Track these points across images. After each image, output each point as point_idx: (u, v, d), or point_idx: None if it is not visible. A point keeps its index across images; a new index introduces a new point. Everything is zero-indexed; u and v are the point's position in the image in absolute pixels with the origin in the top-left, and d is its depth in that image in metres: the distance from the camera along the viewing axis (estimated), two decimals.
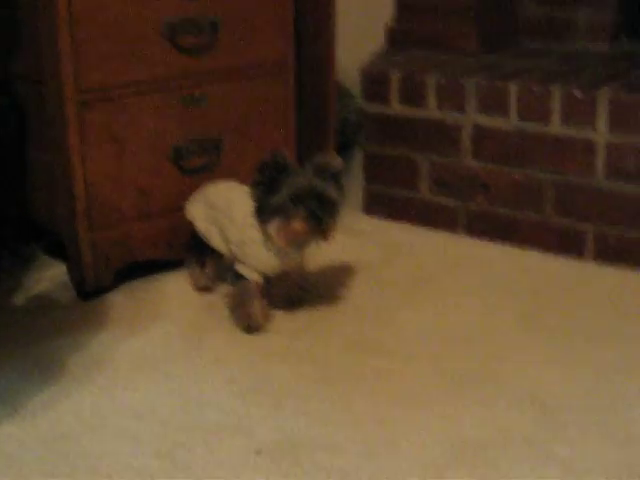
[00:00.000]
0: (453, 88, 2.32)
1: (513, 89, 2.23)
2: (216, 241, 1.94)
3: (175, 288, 2.07)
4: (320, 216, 1.77)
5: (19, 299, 2.05)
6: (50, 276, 2.15)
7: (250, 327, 1.87)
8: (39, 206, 2.17)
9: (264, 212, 1.80)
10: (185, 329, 1.90)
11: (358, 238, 2.37)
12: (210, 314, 1.96)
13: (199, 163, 2.13)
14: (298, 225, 1.77)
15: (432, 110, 2.36)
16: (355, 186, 2.60)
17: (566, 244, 2.24)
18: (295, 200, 1.76)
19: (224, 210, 1.90)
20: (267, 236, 1.81)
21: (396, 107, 2.43)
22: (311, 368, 1.74)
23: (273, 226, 1.79)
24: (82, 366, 1.75)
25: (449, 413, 1.58)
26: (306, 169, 1.81)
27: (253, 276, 1.86)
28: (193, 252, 2.03)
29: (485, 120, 2.29)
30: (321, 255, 2.00)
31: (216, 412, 1.59)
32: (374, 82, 2.45)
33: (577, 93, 2.15)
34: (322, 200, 1.78)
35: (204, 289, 2.05)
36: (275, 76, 2.24)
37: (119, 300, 2.03)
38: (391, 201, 2.50)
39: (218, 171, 2.13)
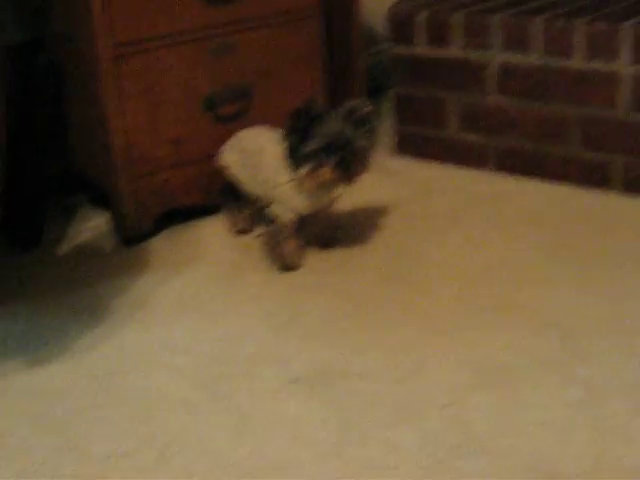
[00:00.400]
0: (477, 26, 2.35)
1: (537, 25, 2.27)
2: (250, 185, 2.01)
3: (212, 232, 2.16)
4: (349, 164, 1.83)
5: (66, 247, 2.15)
6: (94, 225, 2.25)
7: (285, 265, 1.95)
8: (81, 159, 2.25)
9: (296, 158, 1.86)
10: (223, 270, 1.98)
11: (390, 177, 2.43)
12: (247, 255, 2.04)
13: (231, 111, 2.19)
14: (328, 172, 1.84)
15: (458, 49, 2.40)
16: (387, 127, 2.66)
17: (593, 177, 2.28)
18: (326, 148, 1.82)
19: (256, 155, 1.97)
20: (298, 179, 1.88)
21: (423, 48, 2.47)
22: (343, 302, 1.82)
23: (304, 171, 1.85)
24: (126, 307, 1.84)
25: (474, 339, 1.66)
26: (338, 115, 1.86)
27: (286, 216, 1.94)
28: (229, 197, 2.11)
29: (510, 57, 2.32)
30: (354, 194, 2.06)
31: (254, 345, 1.68)
32: (401, 24, 2.49)
33: (600, 26, 2.17)
34: (352, 148, 1.84)
35: (241, 232, 2.13)
36: (302, 22, 2.28)
37: (159, 245, 2.12)
38: (422, 141, 2.55)
39: (249, 118, 2.20)
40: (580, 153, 2.28)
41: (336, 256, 2.02)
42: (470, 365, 1.58)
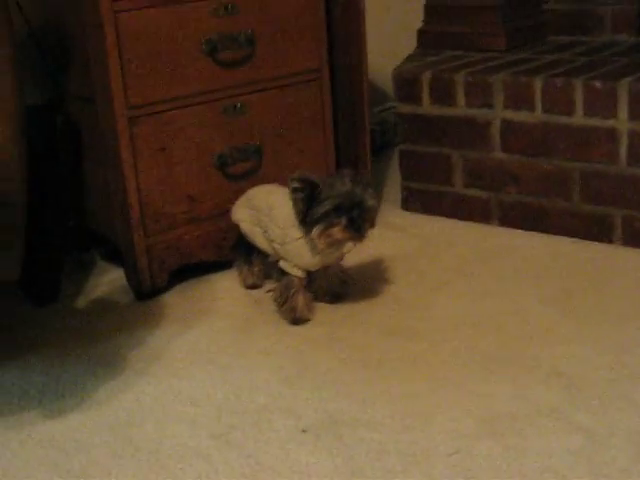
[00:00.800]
0: (480, 85, 2.43)
1: (537, 84, 2.34)
2: (260, 241, 2.08)
3: (225, 286, 2.22)
4: (360, 224, 1.90)
5: (82, 302, 2.21)
6: (109, 280, 2.32)
7: (296, 319, 2.00)
8: (96, 216, 2.32)
9: (307, 222, 1.93)
10: (235, 323, 2.04)
11: (396, 232, 2.50)
12: (258, 309, 2.10)
13: (242, 169, 2.27)
14: (339, 233, 1.91)
15: (462, 107, 2.48)
16: (393, 184, 2.73)
17: (595, 230, 2.34)
18: (337, 210, 1.90)
19: (266, 212, 2.04)
20: (309, 238, 1.95)
21: (428, 106, 2.55)
22: (352, 354, 1.87)
23: (315, 232, 1.91)
24: (142, 360, 1.90)
25: (480, 390, 1.70)
26: (343, 178, 1.93)
27: (296, 272, 2.00)
28: (240, 252, 2.17)
29: (512, 115, 2.40)
30: (362, 249, 2.12)
31: (265, 396, 1.73)
32: (406, 83, 2.58)
33: (597, 84, 2.25)
34: (362, 208, 1.91)
35: (252, 286, 2.19)
36: (311, 83, 2.37)
37: (173, 300, 2.18)
38: (427, 196, 2.62)
39: (260, 176, 2.28)
40: (581, 207, 2.35)
41: (345, 309, 2.07)
42: (475, 414, 1.62)
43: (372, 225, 1.96)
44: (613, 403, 1.63)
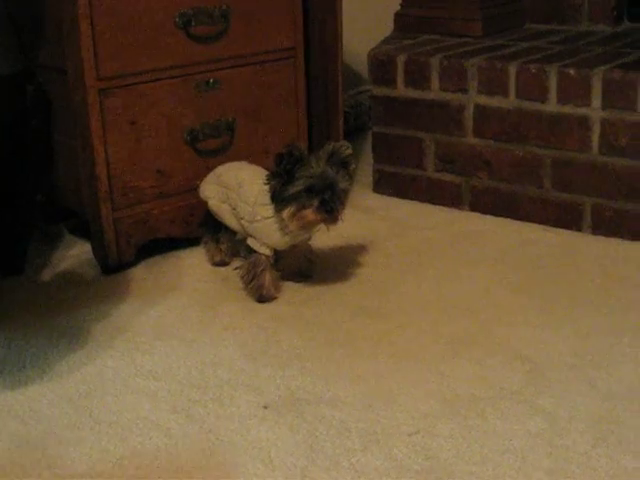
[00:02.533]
0: (455, 70, 2.43)
1: (512, 69, 2.34)
2: (228, 218, 2.07)
3: (192, 263, 2.21)
4: (332, 206, 1.89)
5: (47, 275, 2.19)
6: (75, 254, 2.29)
7: (262, 297, 1.99)
8: (65, 189, 2.30)
9: (279, 200, 1.92)
10: (201, 300, 2.03)
11: (367, 214, 2.50)
12: (225, 286, 2.09)
13: (214, 145, 2.25)
14: (311, 214, 1.90)
15: (436, 91, 2.48)
16: (366, 165, 2.73)
17: (564, 217, 2.35)
18: (309, 191, 1.89)
19: (235, 189, 2.02)
20: (279, 218, 1.94)
21: (402, 89, 2.54)
22: (317, 333, 1.86)
23: (287, 213, 1.91)
24: (105, 334, 1.88)
25: (443, 370, 1.70)
26: (320, 157, 1.92)
27: (264, 250, 1.99)
28: (208, 229, 2.16)
29: (486, 100, 2.40)
30: (332, 229, 2.11)
31: (228, 372, 1.72)
32: (381, 65, 2.57)
33: (571, 72, 2.25)
34: (334, 190, 1.90)
35: (219, 264, 2.18)
36: (285, 62, 2.36)
37: (140, 274, 2.17)
38: (399, 179, 2.62)
39: (232, 152, 2.26)
40: (552, 194, 2.35)
41: (311, 289, 2.07)
42: (439, 395, 1.62)
43: (344, 207, 1.95)
44: (575, 388, 1.64)
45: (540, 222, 2.38)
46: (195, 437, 1.52)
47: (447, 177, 2.52)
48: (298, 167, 1.89)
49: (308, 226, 1.95)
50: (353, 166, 1.98)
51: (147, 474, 1.44)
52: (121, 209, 2.15)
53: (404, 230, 2.39)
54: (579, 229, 2.33)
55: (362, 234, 2.34)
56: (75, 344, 1.84)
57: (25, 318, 1.96)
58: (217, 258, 2.18)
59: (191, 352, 1.80)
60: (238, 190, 2.02)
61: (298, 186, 1.89)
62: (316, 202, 1.89)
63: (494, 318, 1.91)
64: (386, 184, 2.64)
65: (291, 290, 2.06)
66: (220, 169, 2.12)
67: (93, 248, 2.20)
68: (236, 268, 2.07)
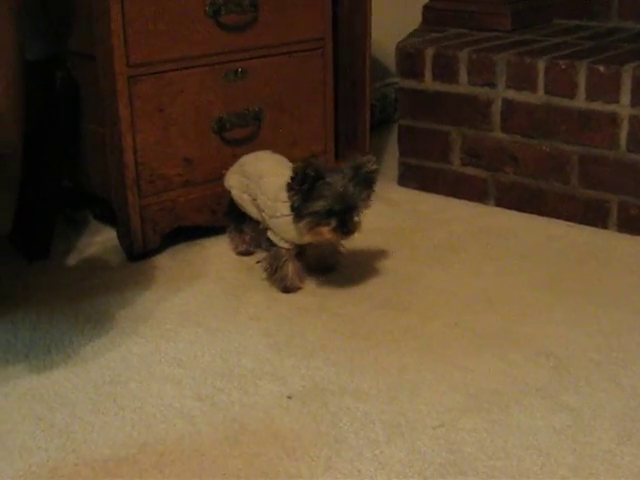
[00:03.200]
0: (483, 64, 2.42)
1: (541, 65, 2.33)
2: (250, 209, 2.06)
3: (217, 251, 2.21)
4: (349, 227, 1.89)
5: (73, 260, 2.20)
6: (101, 240, 2.30)
7: (286, 287, 1.99)
8: (92, 175, 2.30)
9: (299, 213, 1.90)
10: (225, 288, 2.03)
11: (392, 207, 2.49)
12: (249, 275, 2.09)
13: (240, 135, 2.25)
14: (327, 232, 1.89)
15: (464, 85, 2.47)
16: (392, 158, 2.72)
17: (591, 214, 2.34)
18: (328, 211, 1.87)
19: (256, 180, 2.02)
20: (297, 225, 1.92)
21: (430, 82, 2.53)
22: (341, 324, 1.86)
23: (304, 225, 1.90)
24: (130, 320, 1.89)
25: (467, 365, 1.70)
26: (343, 173, 1.90)
27: (283, 244, 1.98)
28: (232, 219, 2.16)
29: (514, 94, 2.39)
30: None
31: (252, 361, 1.73)
32: (408, 58, 2.56)
33: (601, 68, 2.23)
34: (353, 211, 1.89)
35: (243, 253, 2.18)
36: (314, 52, 2.35)
37: (165, 262, 2.17)
38: (424, 173, 2.61)
39: (258, 142, 2.26)
40: (579, 191, 2.34)
41: (336, 280, 2.06)
42: (463, 389, 1.62)
43: (360, 224, 1.93)
44: (600, 385, 1.63)
45: (566, 219, 2.37)
46: (219, 425, 1.53)
47: (473, 171, 2.51)
48: (320, 183, 1.87)
49: (323, 239, 1.94)
50: (376, 182, 1.96)
51: (171, 461, 1.44)
52: (147, 196, 2.15)
53: (429, 224, 2.39)
54: (605, 227, 2.32)
55: (387, 227, 2.34)
56: (100, 330, 1.85)
57: (50, 303, 1.97)
58: (241, 248, 2.18)
59: (215, 340, 1.81)
60: (258, 181, 2.01)
61: (317, 206, 1.87)
62: (334, 222, 1.88)
63: (519, 314, 1.90)
64: (411, 177, 2.64)
65: (316, 281, 2.06)
66: (244, 158, 2.11)
67: (118, 235, 2.20)
68: (259, 262, 2.07)
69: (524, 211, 2.44)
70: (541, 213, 2.41)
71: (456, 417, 1.54)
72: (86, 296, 2.00)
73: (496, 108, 2.42)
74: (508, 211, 2.46)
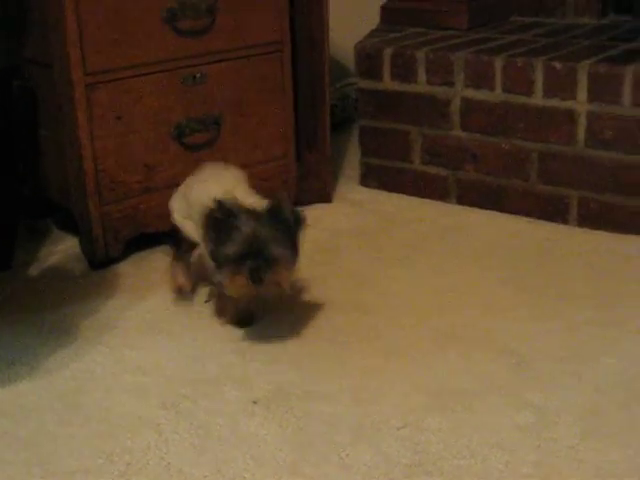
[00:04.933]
0: (441, 63, 2.43)
1: (498, 63, 2.34)
2: (194, 237, 1.87)
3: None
4: (261, 276, 1.67)
5: (35, 270, 2.19)
6: (63, 249, 2.29)
7: (239, 321, 1.87)
8: (52, 183, 2.29)
9: (217, 260, 1.72)
10: (188, 295, 2.03)
11: (354, 207, 2.50)
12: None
13: (200, 140, 2.25)
14: (241, 282, 1.69)
15: (422, 84, 2.48)
16: (353, 158, 2.73)
17: (551, 211, 2.36)
18: (238, 258, 1.68)
19: (195, 207, 1.83)
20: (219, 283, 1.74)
21: (388, 82, 2.54)
22: (306, 328, 1.87)
23: (223, 276, 1.71)
24: (93, 329, 1.88)
25: (431, 364, 1.71)
26: (259, 215, 1.69)
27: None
28: (172, 245, 2.00)
29: (472, 93, 2.40)
30: (318, 223, 2.12)
31: (217, 367, 1.73)
32: (367, 59, 2.57)
33: (557, 65, 2.25)
34: (266, 257, 1.67)
35: (180, 289, 2.00)
36: (272, 55, 2.35)
37: (128, 270, 2.16)
38: (385, 172, 2.62)
39: (218, 147, 2.26)
40: (538, 187, 2.36)
41: (299, 283, 2.06)
42: (427, 389, 1.63)
43: (282, 276, 1.70)
44: (563, 381, 1.65)
45: (526, 215, 2.39)
46: (185, 433, 1.53)
47: (434, 170, 2.53)
48: (233, 222, 1.67)
49: (247, 292, 1.74)
50: (301, 226, 1.73)
51: (137, 470, 1.44)
52: (108, 204, 2.14)
53: (391, 223, 2.40)
54: (565, 222, 2.34)
55: (349, 227, 2.35)
56: (64, 340, 1.84)
57: (13, 313, 1.95)
58: (179, 280, 2.00)
59: (180, 347, 1.81)
60: (197, 209, 1.79)
61: (228, 250, 1.68)
62: (245, 269, 1.67)
63: (481, 311, 1.91)
64: (373, 177, 2.65)
65: None
66: (188, 181, 1.94)
67: (81, 243, 2.19)
68: (207, 301, 1.97)
69: (485, 208, 2.45)
70: (502, 210, 2.43)
71: (421, 417, 1.55)
72: (49, 306, 1.99)
73: (455, 107, 2.44)
74: (469, 209, 2.48)
